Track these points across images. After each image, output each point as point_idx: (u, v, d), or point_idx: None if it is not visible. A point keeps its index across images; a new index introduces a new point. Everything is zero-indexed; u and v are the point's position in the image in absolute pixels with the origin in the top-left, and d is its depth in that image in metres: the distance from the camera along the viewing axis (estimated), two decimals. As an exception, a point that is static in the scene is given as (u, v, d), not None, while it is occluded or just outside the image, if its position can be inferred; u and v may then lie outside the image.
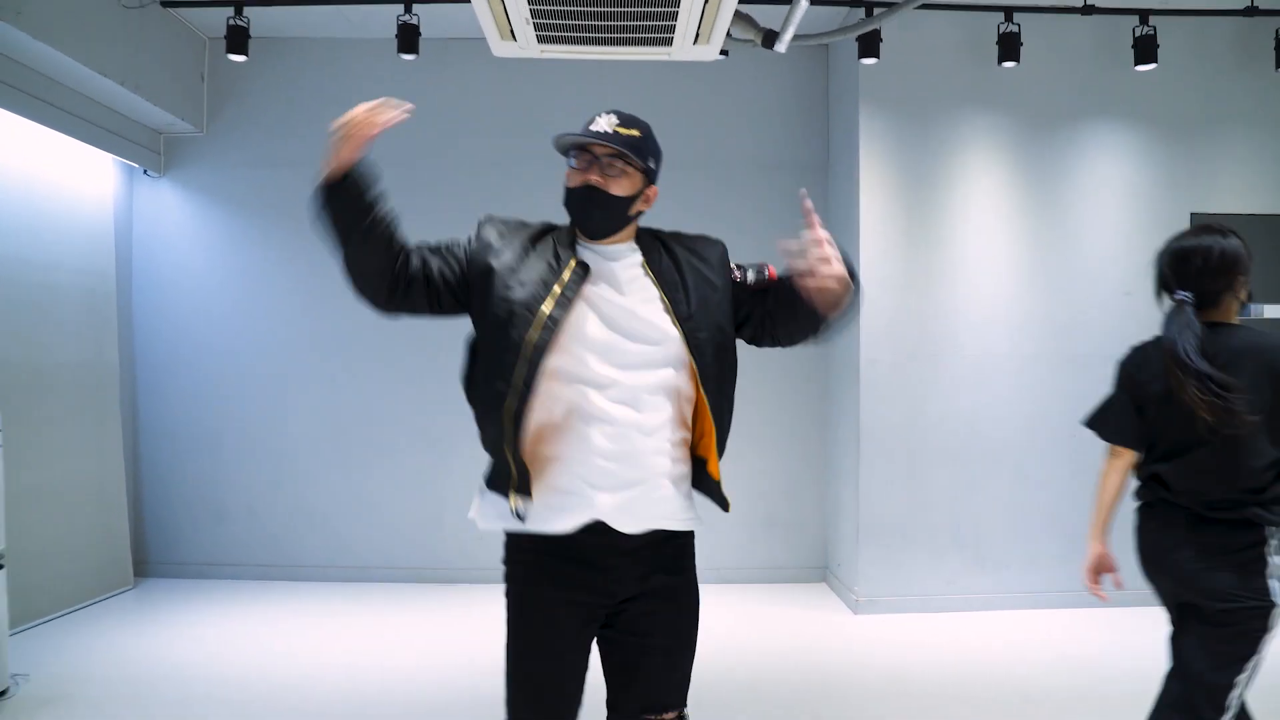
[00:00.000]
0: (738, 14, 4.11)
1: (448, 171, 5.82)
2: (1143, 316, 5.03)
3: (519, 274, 1.93)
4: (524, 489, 1.87)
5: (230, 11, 4.96)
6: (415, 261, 1.97)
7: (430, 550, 5.86)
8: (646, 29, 3.97)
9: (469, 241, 2.04)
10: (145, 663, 4.29)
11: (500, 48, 4.20)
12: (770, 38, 4.18)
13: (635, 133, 1.98)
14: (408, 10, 4.89)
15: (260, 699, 3.87)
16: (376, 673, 4.20)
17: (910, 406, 5.31)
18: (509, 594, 1.97)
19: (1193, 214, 5.39)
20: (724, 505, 2.13)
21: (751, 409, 5.46)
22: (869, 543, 5.28)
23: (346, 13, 5.38)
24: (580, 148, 1.98)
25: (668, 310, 1.95)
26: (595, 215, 1.98)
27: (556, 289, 1.90)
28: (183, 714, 3.72)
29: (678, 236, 2.10)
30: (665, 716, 1.98)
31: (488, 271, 1.95)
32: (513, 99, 5.84)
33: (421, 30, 5.01)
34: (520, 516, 1.87)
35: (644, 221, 2.09)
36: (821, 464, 5.96)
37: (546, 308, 1.87)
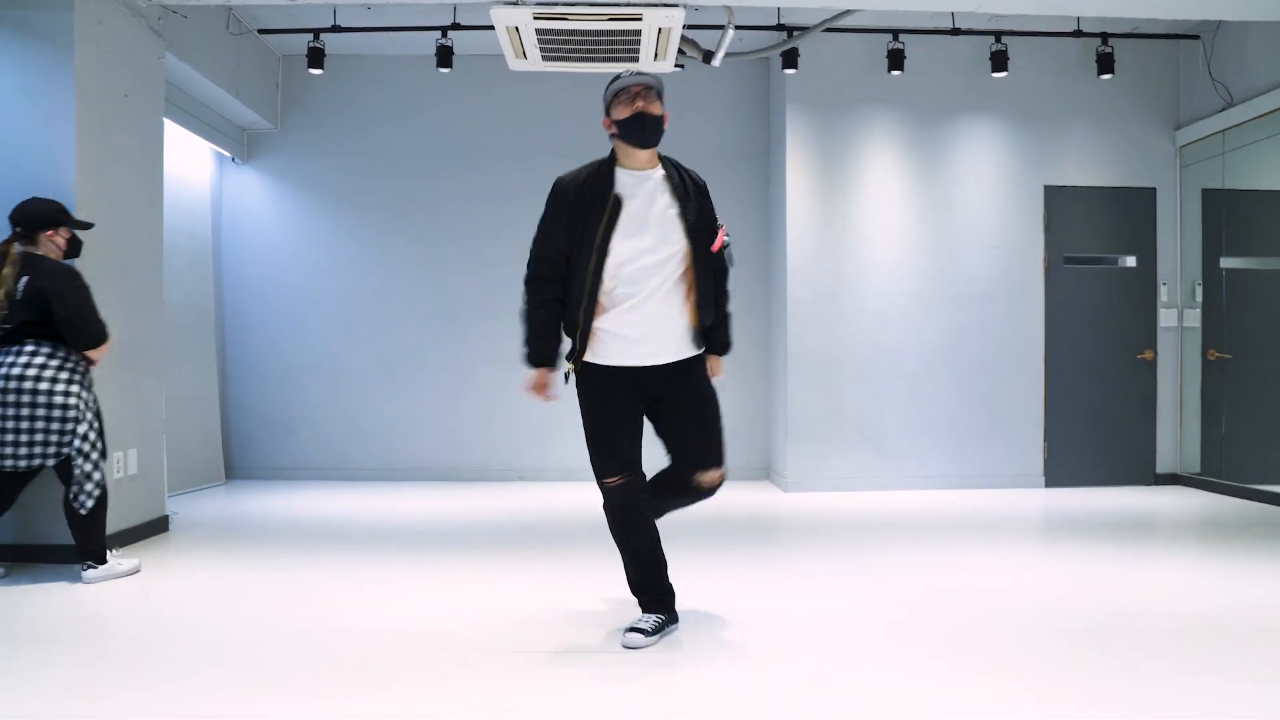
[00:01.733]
0: (684, 38, 5.72)
1: (474, 159, 7.41)
2: (1006, 264, 6.73)
3: (585, 213, 3.03)
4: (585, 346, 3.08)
5: (310, 36, 6.57)
6: (559, 286, 3.09)
7: (457, 453, 7.45)
8: (619, 50, 5.60)
9: (556, 213, 3.08)
10: (245, 519, 5.89)
11: (515, 64, 5.82)
12: (708, 56, 5.79)
13: (650, 79, 3.09)
14: (444, 35, 6.51)
15: (324, 544, 5.47)
16: (414, 528, 5.80)
17: (827, 335, 6.89)
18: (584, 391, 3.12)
19: (1045, 186, 7.00)
20: (697, 343, 3.14)
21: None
22: (795, 440, 6.86)
23: (394, 36, 6.99)
24: (623, 91, 3.04)
25: (680, 216, 3.05)
26: (651, 131, 3.03)
27: (604, 219, 2.99)
28: (278, 550, 5.33)
29: (679, 168, 3.19)
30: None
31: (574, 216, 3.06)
32: (525, 102, 7.43)
33: (454, 49, 6.61)
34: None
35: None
36: (765, 383, 7.54)
37: (601, 230, 3.00)
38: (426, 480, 7.37)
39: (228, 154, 7.32)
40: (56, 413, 3.87)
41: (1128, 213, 7.07)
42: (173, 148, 6.57)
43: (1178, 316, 7.10)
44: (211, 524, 5.50)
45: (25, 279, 3.85)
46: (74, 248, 4.14)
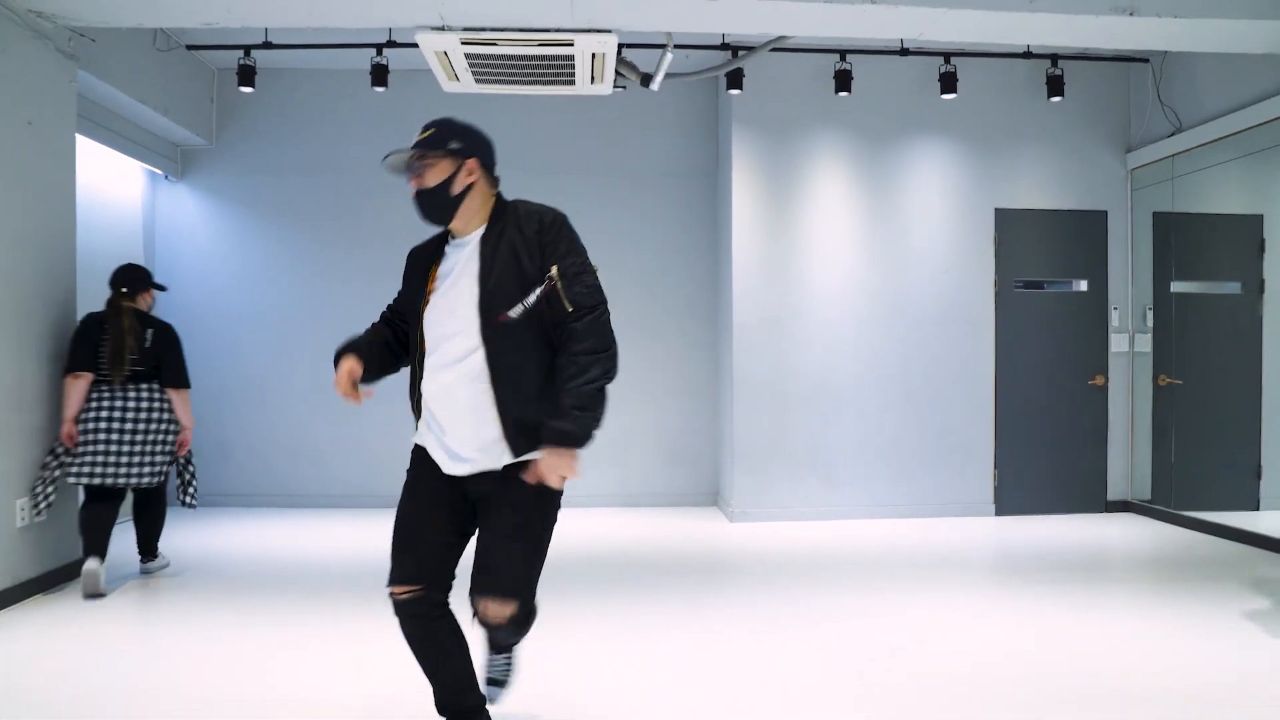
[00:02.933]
0: (622, 60, 5.56)
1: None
2: (956, 288, 6.62)
3: (411, 281, 2.60)
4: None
5: (240, 53, 6.35)
6: (398, 329, 2.67)
7: (400, 477, 7.26)
8: (555, 74, 5.43)
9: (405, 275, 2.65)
10: (174, 552, 5.69)
11: (448, 85, 5.65)
12: (647, 79, 5.64)
13: (429, 132, 2.45)
14: (379, 54, 6.31)
15: (263, 576, 5.29)
16: (345, 568, 5.62)
17: (774, 360, 6.76)
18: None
19: (996, 209, 6.91)
20: (513, 451, 2.40)
21: (655, 364, 6.95)
22: (741, 468, 6.73)
23: (330, 51, 6.78)
24: (404, 170, 2.50)
25: (477, 281, 2.38)
26: (428, 210, 2.47)
27: (427, 285, 2.49)
28: (196, 597, 5.14)
29: (523, 211, 2.48)
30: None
31: (406, 282, 2.64)
32: (464, 116, 7.23)
33: (390, 65, 6.42)
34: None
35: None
36: (712, 408, 7.41)
37: (421, 298, 2.49)
38: (368, 506, 7.18)
39: (160, 171, 7.10)
40: (171, 439, 4.82)
41: (1079, 236, 6.99)
42: (98, 168, 6.36)
43: (1129, 341, 7.04)
44: (131, 565, 5.28)
45: (150, 331, 4.79)
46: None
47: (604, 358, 2.36)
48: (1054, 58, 6.60)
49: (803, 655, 3.68)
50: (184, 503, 5.06)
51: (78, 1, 4.43)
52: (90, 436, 4.58)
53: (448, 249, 2.52)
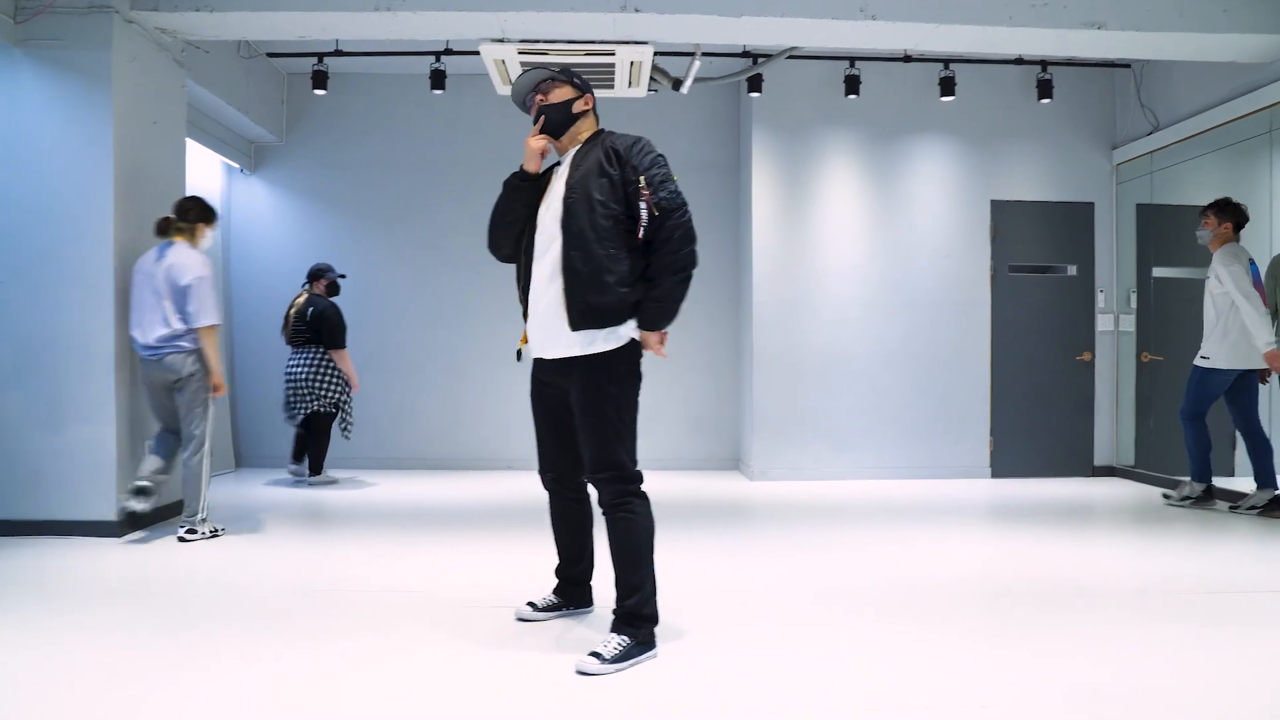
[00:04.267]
0: (656, 67, 6.31)
1: (465, 171, 8.00)
2: (955, 273, 7.32)
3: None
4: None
5: (314, 60, 7.15)
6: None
7: (452, 444, 8.04)
8: (597, 79, 6.19)
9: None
10: (258, 500, 6.48)
11: (502, 89, 6.41)
12: (677, 84, 6.39)
13: (558, 70, 3.15)
14: (438, 60, 7.09)
15: (332, 521, 6.07)
16: (415, 509, 6.40)
17: (789, 337, 7.49)
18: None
19: (991, 200, 7.61)
20: (582, 324, 2.95)
21: (681, 342, 7.69)
22: (760, 434, 7.47)
23: (392, 58, 7.56)
24: (523, 106, 3.20)
25: (565, 189, 2.96)
26: (550, 120, 3.06)
27: (542, 194, 3.07)
28: (292, 525, 5.92)
29: (611, 134, 3.07)
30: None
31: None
32: (513, 118, 8.01)
33: (447, 70, 7.18)
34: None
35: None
36: (734, 381, 8.15)
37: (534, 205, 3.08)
38: (423, 469, 7.95)
39: (236, 165, 7.89)
40: (328, 386, 6.81)
41: (1068, 225, 7.69)
42: (190, 161, 7.13)
43: (1114, 321, 7.72)
44: (231, 504, 6.08)
45: (310, 309, 6.84)
46: (333, 289, 7.10)
47: (686, 254, 2.93)
48: (1044, 64, 7.30)
49: (820, 572, 4.42)
50: (344, 435, 7.02)
51: (196, 20, 5.21)
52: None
53: (555, 170, 3.12)
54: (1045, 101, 7.34)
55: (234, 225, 8.07)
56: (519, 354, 3.17)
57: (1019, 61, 7.35)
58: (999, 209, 7.63)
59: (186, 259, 4.82)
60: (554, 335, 2.96)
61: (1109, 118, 7.73)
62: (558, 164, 3.14)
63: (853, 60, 7.23)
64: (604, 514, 3.03)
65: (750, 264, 7.50)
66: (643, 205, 2.86)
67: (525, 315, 3.08)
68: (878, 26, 5.37)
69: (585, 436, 3.00)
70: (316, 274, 7.06)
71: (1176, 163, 7.09)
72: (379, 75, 8.01)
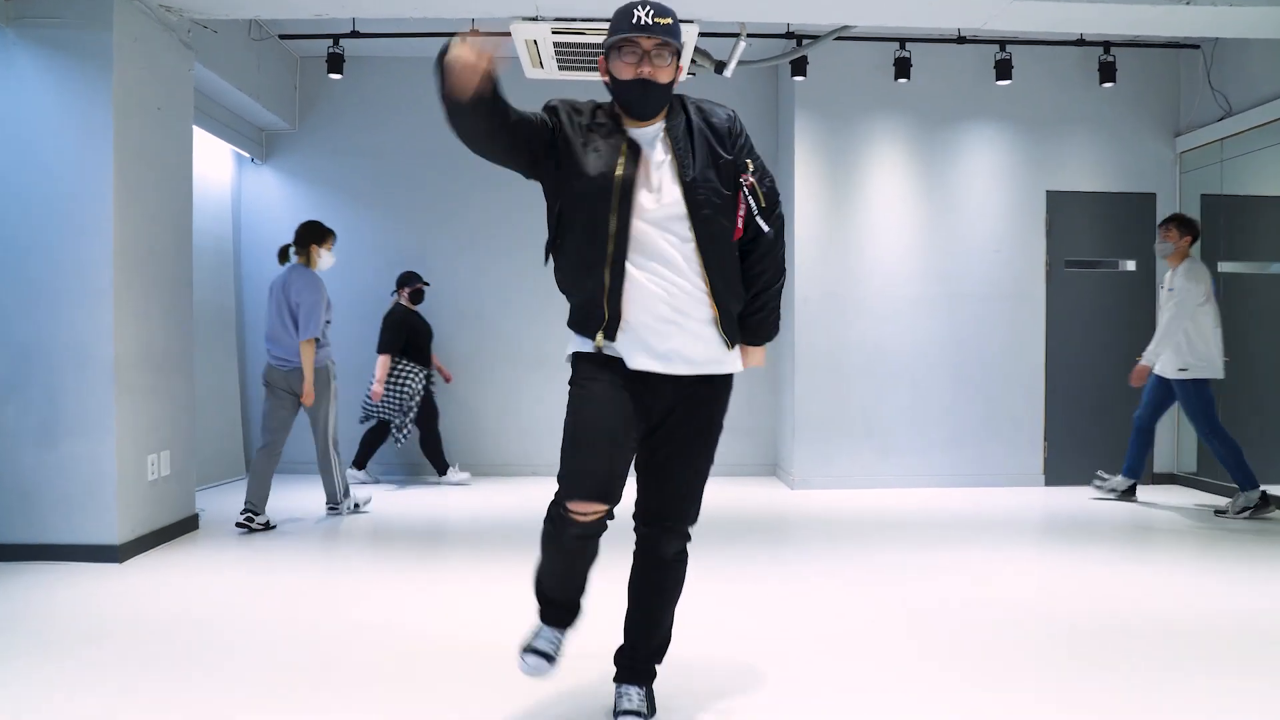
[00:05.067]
0: (698, 49, 5.87)
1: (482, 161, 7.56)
2: (1008, 267, 6.88)
3: (588, 154, 2.30)
4: (611, 332, 2.31)
5: (330, 42, 6.72)
6: (513, 117, 2.30)
7: (471, 448, 7.64)
8: (633, 60, 5.74)
9: (549, 116, 2.39)
10: (271, 513, 6.09)
11: (531, 72, 5.98)
12: (720, 66, 5.94)
13: (669, 20, 2.26)
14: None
15: (342, 541, 5.68)
16: (426, 524, 6.00)
17: (833, 335, 7.06)
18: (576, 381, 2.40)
19: (1047, 191, 7.16)
20: (728, 343, 2.40)
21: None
22: (802, 438, 7.05)
23: (411, 40, 7.13)
24: (630, 43, 2.26)
25: (676, 174, 2.30)
26: (650, 104, 2.31)
27: (619, 167, 2.26)
28: (298, 548, 5.53)
29: (700, 108, 2.42)
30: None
31: (567, 145, 2.33)
32: (536, 104, 7.58)
33: (469, 55, 6.74)
34: (601, 351, 2.34)
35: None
36: (774, 382, 7.72)
37: (617, 181, 2.25)
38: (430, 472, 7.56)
39: (247, 154, 7.48)
40: (395, 393, 6.83)
41: (1128, 217, 7.23)
42: (197, 150, 6.72)
43: (1176, 319, 7.26)
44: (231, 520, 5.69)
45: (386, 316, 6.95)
46: (416, 296, 7.05)
47: (782, 257, 2.49)
48: (1106, 45, 6.83)
49: (865, 605, 4.01)
50: (395, 441, 6.98)
51: (204, -5, 4.80)
52: None
53: (632, 134, 2.36)
54: (1107, 86, 6.87)
55: (244, 218, 7.67)
56: (598, 349, 2.37)
57: (1080, 43, 6.89)
58: (1055, 200, 7.17)
59: (299, 280, 5.52)
60: (684, 346, 2.33)
61: (1173, 103, 7.25)
62: (626, 138, 2.34)
63: (903, 42, 6.78)
64: (662, 564, 2.56)
65: (792, 255, 7.06)
66: (748, 195, 2.36)
67: (596, 314, 2.33)
68: (940, 4, 4.92)
69: (687, 475, 2.48)
70: (401, 282, 7.04)
71: (1250, 150, 6.62)
72: (397, 58, 7.58)
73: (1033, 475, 7.16)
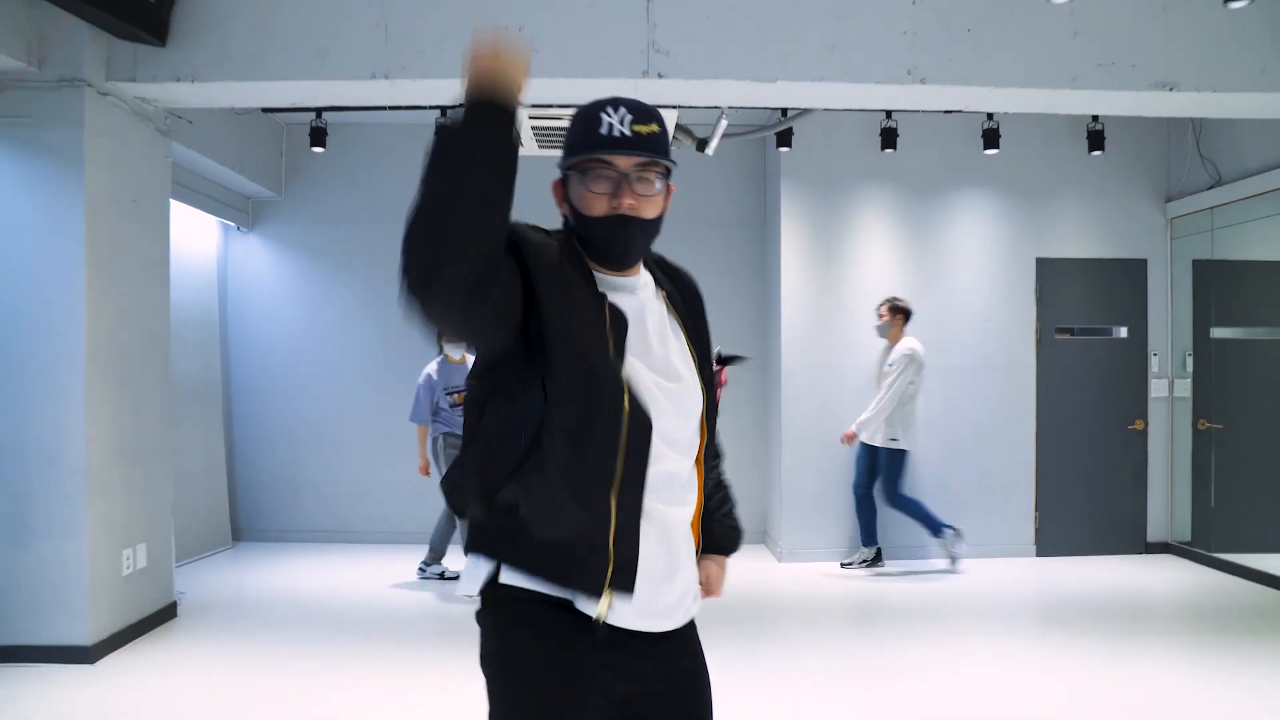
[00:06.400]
0: (679, 127, 5.84)
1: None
2: (999, 337, 6.82)
3: (571, 313, 1.53)
4: (626, 584, 1.52)
5: (312, 116, 6.70)
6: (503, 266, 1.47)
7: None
8: (615, 141, 5.70)
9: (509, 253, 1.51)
10: (250, 596, 6.01)
11: (513, 152, 5.94)
12: (702, 145, 5.91)
13: (655, 127, 1.58)
14: (443, 114, 6.62)
15: (325, 631, 5.59)
16: (414, 607, 5.92)
17: (820, 405, 6.98)
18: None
19: (1037, 258, 7.10)
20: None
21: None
22: (789, 510, 6.96)
23: (395, 111, 7.10)
24: (604, 167, 1.57)
25: (692, 359, 1.70)
26: (633, 249, 1.62)
27: (610, 341, 1.54)
28: (280, 639, 5.45)
29: (663, 264, 1.80)
30: None
31: (548, 305, 1.52)
32: (524, 175, 7.55)
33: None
34: (601, 620, 1.53)
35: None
36: (762, 452, 7.64)
37: (615, 362, 1.53)
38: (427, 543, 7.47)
39: (232, 223, 7.45)
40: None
41: (1119, 284, 7.16)
42: (179, 224, 6.69)
43: (1169, 386, 7.20)
44: (218, 605, 5.60)
45: None
46: None
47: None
48: (1094, 115, 6.78)
49: (850, 711, 3.92)
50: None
51: (177, 90, 4.74)
52: None
53: (613, 293, 1.63)
54: (1096, 154, 6.82)
55: (230, 285, 7.63)
56: (598, 628, 1.57)
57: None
58: (1045, 268, 7.11)
59: (427, 368, 6.16)
60: (673, 589, 1.66)
61: (1162, 168, 7.21)
62: (606, 302, 1.60)
63: (889, 112, 6.73)
64: None
65: (779, 326, 7.00)
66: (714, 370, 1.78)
67: (592, 561, 1.53)
68: (926, 90, 4.87)
69: None
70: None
71: (1242, 221, 6.56)
72: (380, 125, 7.56)
73: (1024, 546, 7.07)
